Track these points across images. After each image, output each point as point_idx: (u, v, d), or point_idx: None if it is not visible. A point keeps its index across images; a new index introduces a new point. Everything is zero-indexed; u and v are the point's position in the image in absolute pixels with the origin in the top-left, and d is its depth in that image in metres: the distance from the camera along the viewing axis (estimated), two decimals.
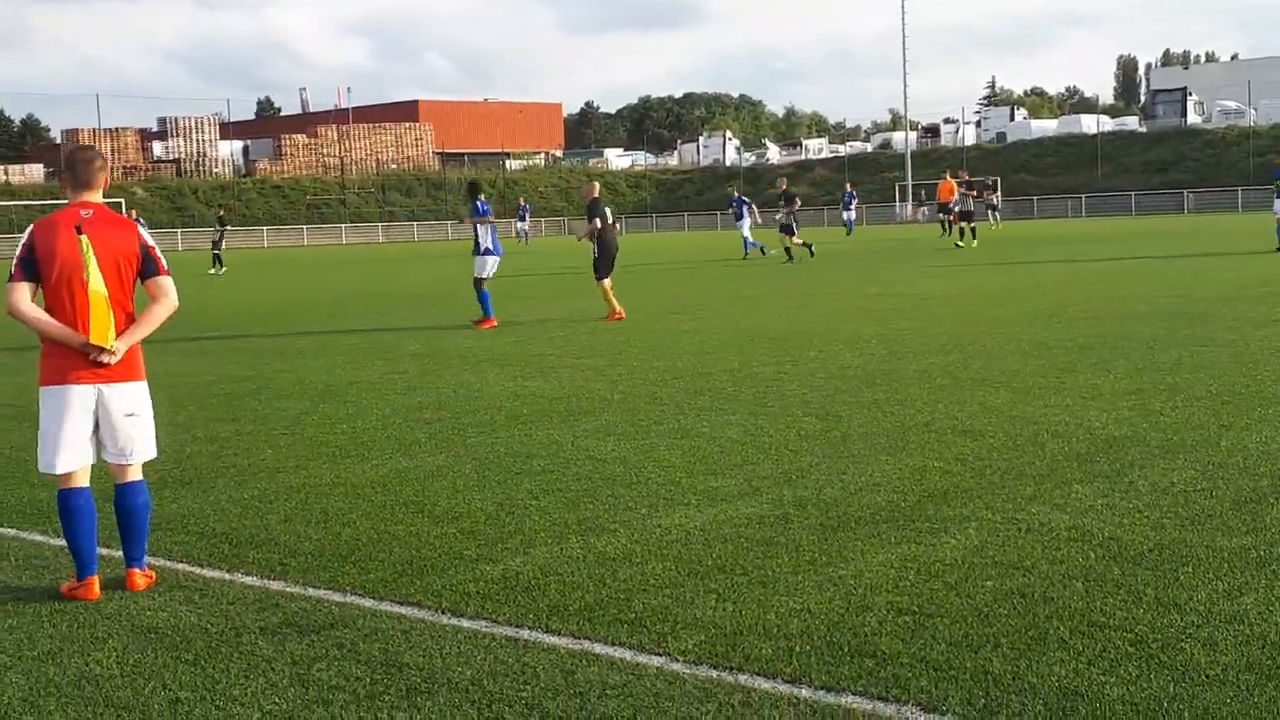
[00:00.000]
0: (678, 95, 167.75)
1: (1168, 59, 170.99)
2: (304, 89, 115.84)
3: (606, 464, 8.01)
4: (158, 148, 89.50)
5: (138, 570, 5.70)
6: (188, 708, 4.32)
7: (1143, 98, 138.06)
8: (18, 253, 5.58)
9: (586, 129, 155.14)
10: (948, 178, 43.84)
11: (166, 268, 5.79)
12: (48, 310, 5.56)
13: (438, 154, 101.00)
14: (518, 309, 20.79)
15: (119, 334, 5.57)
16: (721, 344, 14.62)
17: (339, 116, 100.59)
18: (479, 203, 18.76)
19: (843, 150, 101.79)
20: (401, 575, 5.73)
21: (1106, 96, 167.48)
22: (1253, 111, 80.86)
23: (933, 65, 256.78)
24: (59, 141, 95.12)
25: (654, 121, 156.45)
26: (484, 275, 18.37)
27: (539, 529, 6.47)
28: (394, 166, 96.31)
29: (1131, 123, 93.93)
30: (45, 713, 4.33)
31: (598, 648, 4.73)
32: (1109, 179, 79.13)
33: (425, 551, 6.13)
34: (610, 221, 18.75)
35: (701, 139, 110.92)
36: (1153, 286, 20.43)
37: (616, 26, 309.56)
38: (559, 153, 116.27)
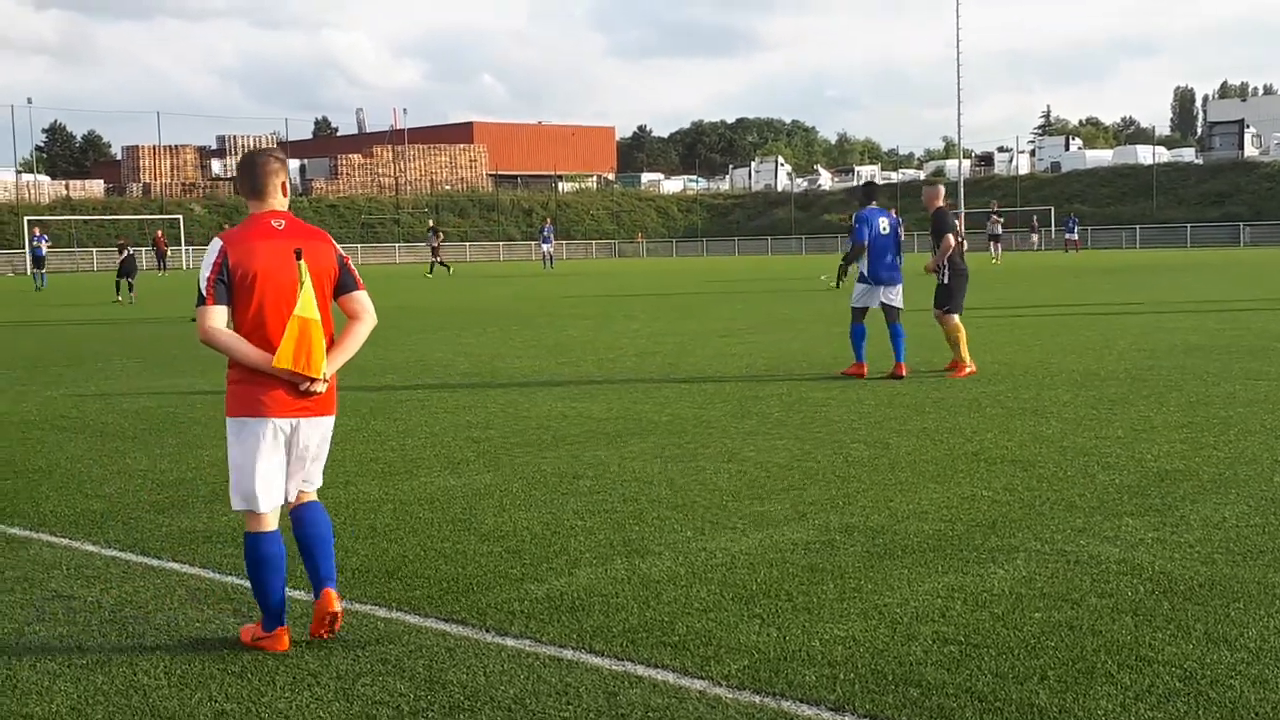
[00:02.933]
0: (730, 120, 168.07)
1: (1225, 91, 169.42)
2: (360, 109, 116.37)
3: (653, 486, 8.01)
4: (216, 165, 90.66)
5: (332, 589, 5.07)
6: (234, 719, 4.36)
7: (1199, 129, 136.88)
8: (207, 273, 4.91)
9: (639, 152, 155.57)
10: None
11: (362, 281, 5.26)
12: (245, 335, 4.96)
13: (491, 175, 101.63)
14: (567, 329, 20.86)
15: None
16: (770, 367, 14.60)
17: (395, 137, 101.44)
18: None
19: (895, 177, 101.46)
20: (447, 592, 5.76)
21: (1163, 128, 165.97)
22: None
23: (988, 93, 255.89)
24: (119, 158, 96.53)
25: (706, 146, 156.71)
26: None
27: (584, 550, 6.48)
28: (447, 187, 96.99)
29: (1188, 154, 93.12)
30: None
31: (640, 670, 4.73)
32: (1164, 210, 78.41)
33: (471, 569, 6.15)
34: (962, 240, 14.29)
35: (753, 164, 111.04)
36: (1208, 320, 20.20)
37: (669, 52, 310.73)
38: (611, 175, 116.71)
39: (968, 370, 13.51)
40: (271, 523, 5.09)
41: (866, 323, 13.99)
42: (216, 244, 5.01)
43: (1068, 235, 67.40)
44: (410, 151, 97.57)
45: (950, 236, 13.65)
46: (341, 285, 5.16)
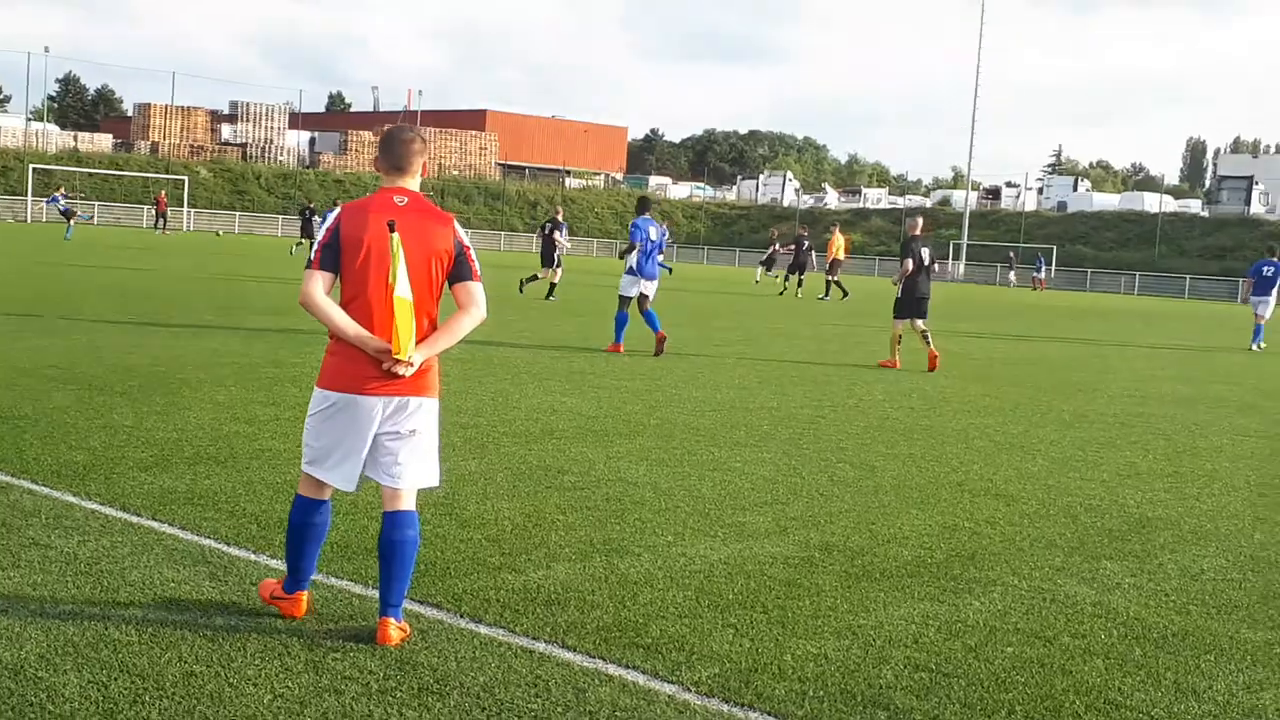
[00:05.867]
0: (742, 131, 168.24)
1: (1238, 145, 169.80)
2: (376, 87, 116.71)
3: (637, 487, 8.02)
4: (226, 130, 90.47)
5: (393, 620, 4.85)
6: (201, 681, 4.36)
7: (1208, 182, 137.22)
8: (320, 237, 4.94)
9: (649, 155, 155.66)
10: (836, 232, 39.33)
11: (479, 273, 5.09)
12: (345, 305, 4.90)
13: (500, 164, 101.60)
14: (562, 324, 20.87)
15: (419, 342, 4.87)
16: (762, 381, 14.61)
17: (408, 118, 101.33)
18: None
19: (901, 202, 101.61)
20: (424, 576, 5.75)
21: (1172, 176, 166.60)
22: None
23: (1001, 127, 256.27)
24: (130, 114, 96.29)
25: (716, 155, 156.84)
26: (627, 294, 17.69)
27: (564, 544, 6.49)
28: (455, 173, 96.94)
29: (1195, 206, 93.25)
30: (61, 671, 4.37)
31: (611, 669, 4.73)
32: (1166, 259, 78.55)
33: (449, 554, 6.16)
34: (926, 263, 17.61)
35: (762, 177, 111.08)
36: (1200, 371, 20.25)
37: (691, 57, 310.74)
38: (619, 176, 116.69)
39: (894, 363, 17.19)
40: (323, 493, 5.05)
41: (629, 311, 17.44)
42: (335, 211, 5.03)
43: (1035, 274, 69.26)
44: (423, 134, 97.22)
45: (908, 262, 17.34)
46: (456, 273, 5.01)
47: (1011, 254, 75.41)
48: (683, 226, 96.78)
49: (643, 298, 17.55)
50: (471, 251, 5.06)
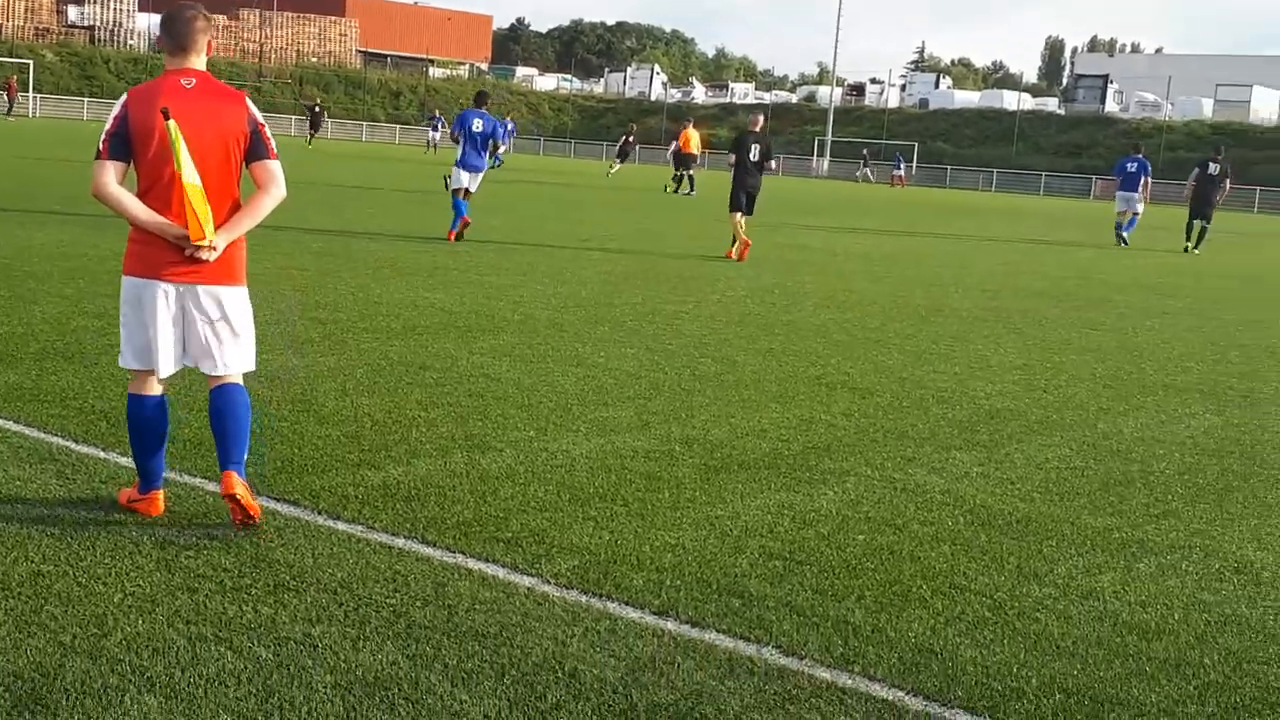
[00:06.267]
0: (610, 22, 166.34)
1: (1094, 45, 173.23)
2: None
3: (499, 384, 8.00)
4: (73, 12, 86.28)
5: (234, 472, 4.85)
6: (49, 581, 4.26)
7: (1065, 80, 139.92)
8: (108, 125, 4.78)
9: (515, 45, 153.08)
10: (689, 128, 38.55)
11: (276, 150, 5.00)
12: (141, 194, 4.82)
13: (361, 52, 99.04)
14: (428, 216, 20.57)
15: (219, 226, 4.81)
16: (627, 276, 14.63)
17: (263, 2, 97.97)
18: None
19: (768, 98, 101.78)
20: (281, 472, 5.69)
21: (1031, 75, 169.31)
22: (1169, 106, 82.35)
23: (868, 24, 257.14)
24: None
25: (584, 46, 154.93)
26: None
27: (425, 441, 6.46)
28: (314, 59, 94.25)
29: (1051, 104, 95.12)
30: None
31: (471, 563, 4.75)
32: (1023, 156, 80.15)
33: (307, 451, 6.09)
34: (754, 159, 18.18)
35: (630, 70, 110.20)
36: (1053, 266, 20.82)
37: None
38: (485, 66, 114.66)
39: (732, 255, 17.78)
40: (153, 387, 5.00)
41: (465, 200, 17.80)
42: (121, 99, 4.87)
43: (895, 172, 69.81)
44: (278, 19, 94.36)
45: (731, 156, 18.55)
46: (252, 151, 4.92)
47: (865, 151, 76.19)
48: (550, 119, 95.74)
49: (467, 191, 17.86)
50: (266, 129, 4.98)
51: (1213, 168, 27.02)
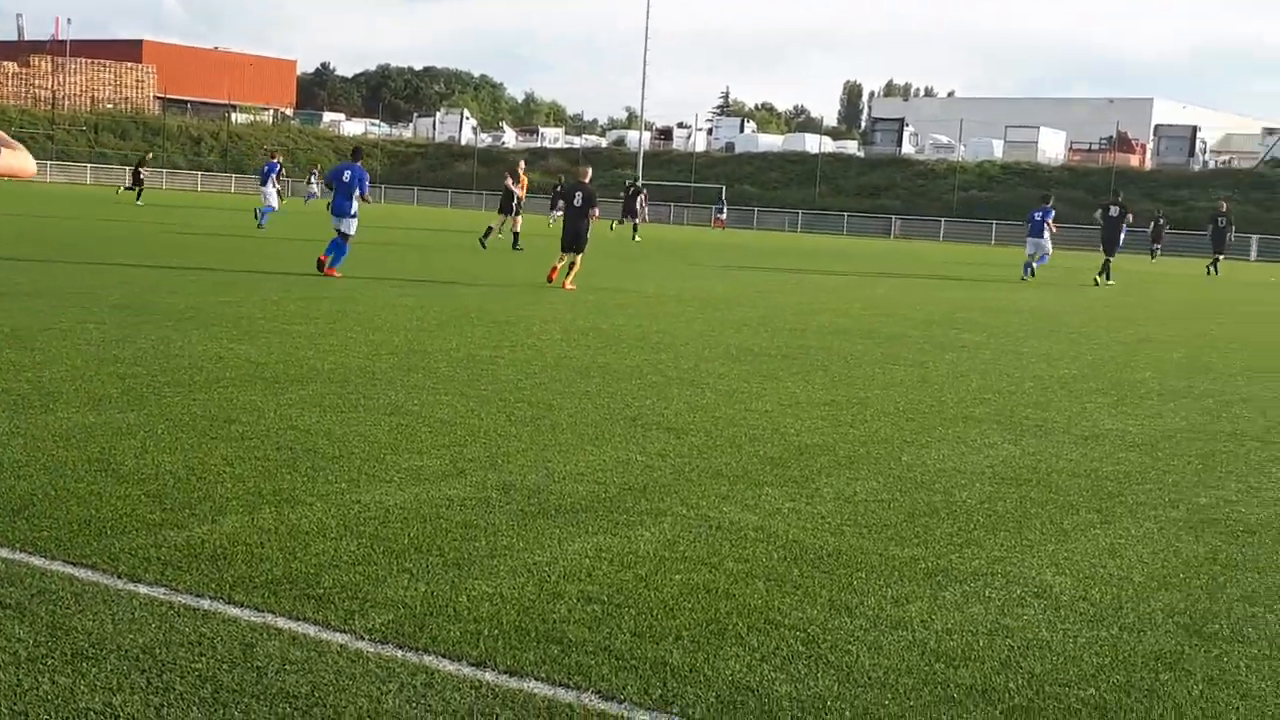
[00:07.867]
0: (418, 67, 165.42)
1: (890, 89, 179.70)
2: (20, 15, 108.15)
3: (309, 435, 7.83)
4: None
5: None
6: None
7: (864, 123, 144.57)
8: None
9: (320, 89, 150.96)
10: (521, 171, 35.66)
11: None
12: None
13: (159, 98, 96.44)
14: (233, 264, 20.06)
15: None
16: (441, 323, 14.51)
17: (55, 48, 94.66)
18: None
19: (578, 142, 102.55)
20: (78, 535, 5.45)
21: (831, 118, 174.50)
22: (962, 147, 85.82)
23: (674, 70, 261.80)
24: None
25: (391, 91, 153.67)
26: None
27: (231, 497, 6.27)
28: (110, 106, 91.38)
29: (851, 146, 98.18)
30: None
31: (281, 622, 4.62)
32: (826, 198, 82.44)
33: (105, 512, 5.85)
34: (577, 205, 21.15)
35: (439, 114, 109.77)
36: (856, 304, 21.43)
37: None
38: (289, 111, 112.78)
39: (553, 274, 21.07)
40: None
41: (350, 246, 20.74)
42: None
43: (717, 214, 71.11)
44: (72, 65, 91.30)
45: (559, 203, 22.95)
46: None
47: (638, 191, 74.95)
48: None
49: (343, 235, 20.55)
50: None
51: (1114, 210, 31.68)
